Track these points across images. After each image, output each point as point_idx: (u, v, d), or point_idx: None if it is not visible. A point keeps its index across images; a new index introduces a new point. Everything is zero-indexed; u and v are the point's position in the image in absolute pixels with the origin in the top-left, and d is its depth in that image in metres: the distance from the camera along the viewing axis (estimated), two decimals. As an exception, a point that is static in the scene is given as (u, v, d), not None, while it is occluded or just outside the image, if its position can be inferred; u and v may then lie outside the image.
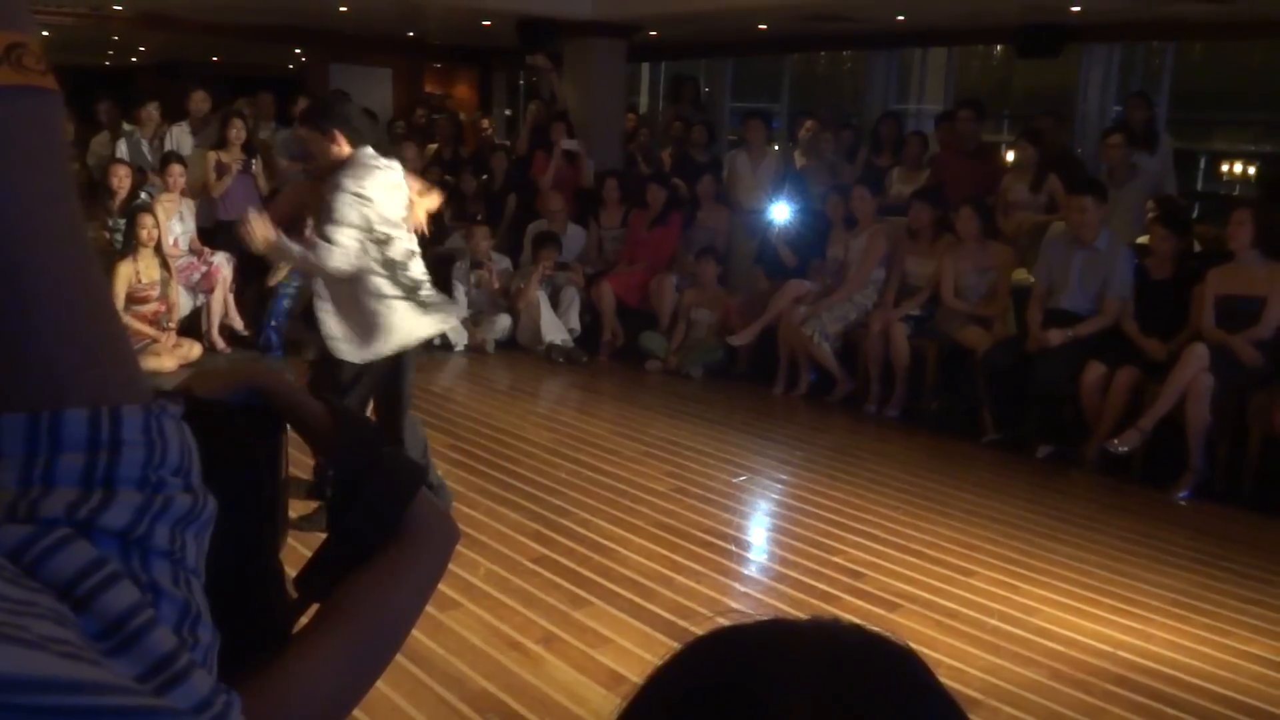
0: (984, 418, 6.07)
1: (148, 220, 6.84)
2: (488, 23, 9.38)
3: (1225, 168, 9.72)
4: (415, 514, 0.85)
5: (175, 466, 0.56)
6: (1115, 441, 5.33)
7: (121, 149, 7.95)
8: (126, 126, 8.21)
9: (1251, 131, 9.99)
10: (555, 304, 7.92)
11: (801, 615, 0.61)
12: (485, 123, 10.19)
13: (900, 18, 8.05)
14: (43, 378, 0.53)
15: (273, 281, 7.43)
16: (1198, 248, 6.09)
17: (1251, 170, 9.18)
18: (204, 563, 0.59)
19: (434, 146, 9.71)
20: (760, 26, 8.96)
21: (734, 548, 4.43)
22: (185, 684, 0.50)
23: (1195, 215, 7.55)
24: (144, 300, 6.88)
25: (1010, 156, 8.25)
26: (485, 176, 9.12)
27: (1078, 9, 6.99)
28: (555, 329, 7.78)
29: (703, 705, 0.54)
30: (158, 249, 6.93)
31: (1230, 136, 10.21)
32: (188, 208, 7.57)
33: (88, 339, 0.55)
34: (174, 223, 7.41)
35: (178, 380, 0.83)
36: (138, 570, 0.53)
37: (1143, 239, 6.14)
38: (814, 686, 0.53)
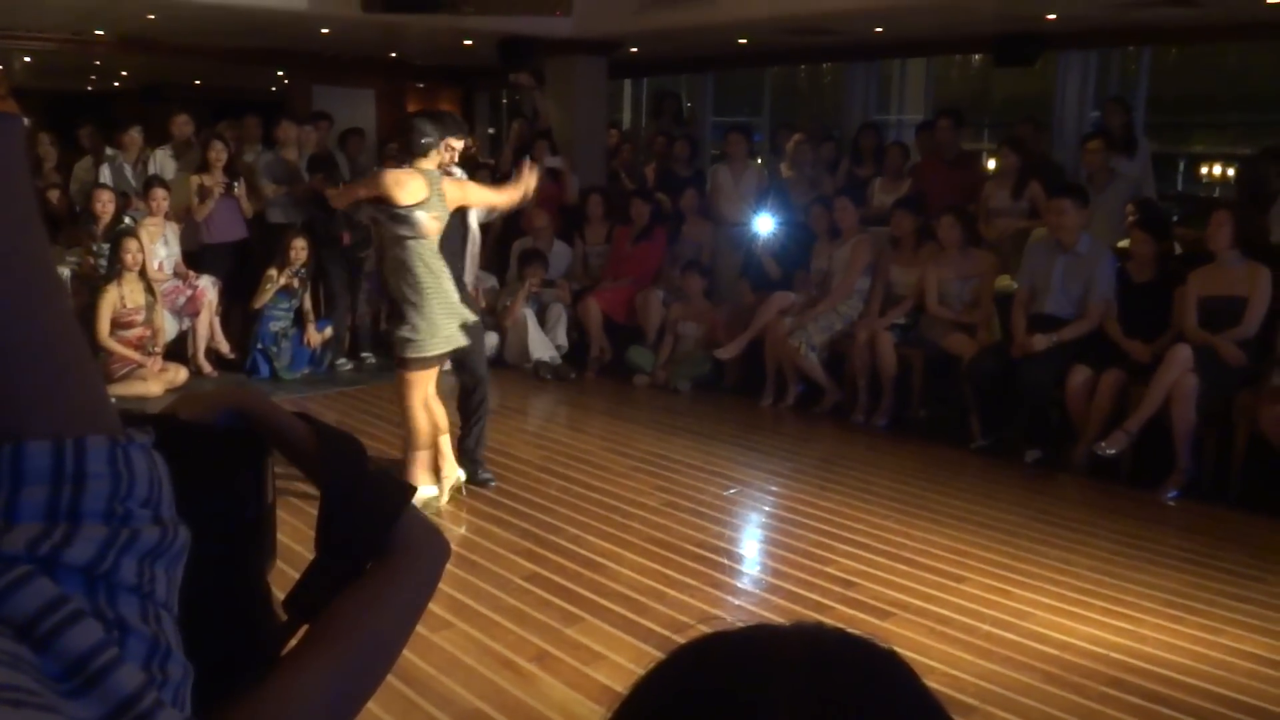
0: (971, 424, 6.09)
1: (132, 245, 6.83)
2: (469, 42, 9.39)
3: (1205, 170, 9.79)
4: (404, 531, 0.84)
5: (143, 498, 0.55)
6: (1102, 444, 5.36)
7: (104, 174, 7.93)
8: (109, 151, 8.19)
9: (1229, 134, 10.08)
10: (542, 321, 7.93)
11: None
12: (469, 141, 10.20)
13: (878, 30, 8.10)
14: (3, 408, 0.52)
15: (258, 304, 7.42)
16: (1179, 250, 6.13)
17: (1230, 172, 9.25)
18: (176, 595, 0.57)
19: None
20: (740, 41, 9.00)
21: (726, 560, 4.43)
22: None
23: (1176, 218, 7.60)
24: (129, 325, 6.86)
25: (991, 164, 8.29)
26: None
27: (1052, 17, 7.04)
28: (543, 346, 7.78)
29: (687, 711, 0.54)
30: (142, 274, 6.92)
31: (1208, 139, 10.30)
32: (172, 231, 7.56)
33: (50, 367, 0.54)
34: (158, 247, 7.40)
35: (163, 405, 0.83)
36: (104, 606, 0.51)
37: (1123, 243, 6.17)
38: (798, 690, 0.52)
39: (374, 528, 0.83)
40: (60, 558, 0.50)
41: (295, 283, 7.48)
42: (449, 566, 0.93)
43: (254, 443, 0.85)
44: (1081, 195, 6.00)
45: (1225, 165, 9.43)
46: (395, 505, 0.85)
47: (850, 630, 0.58)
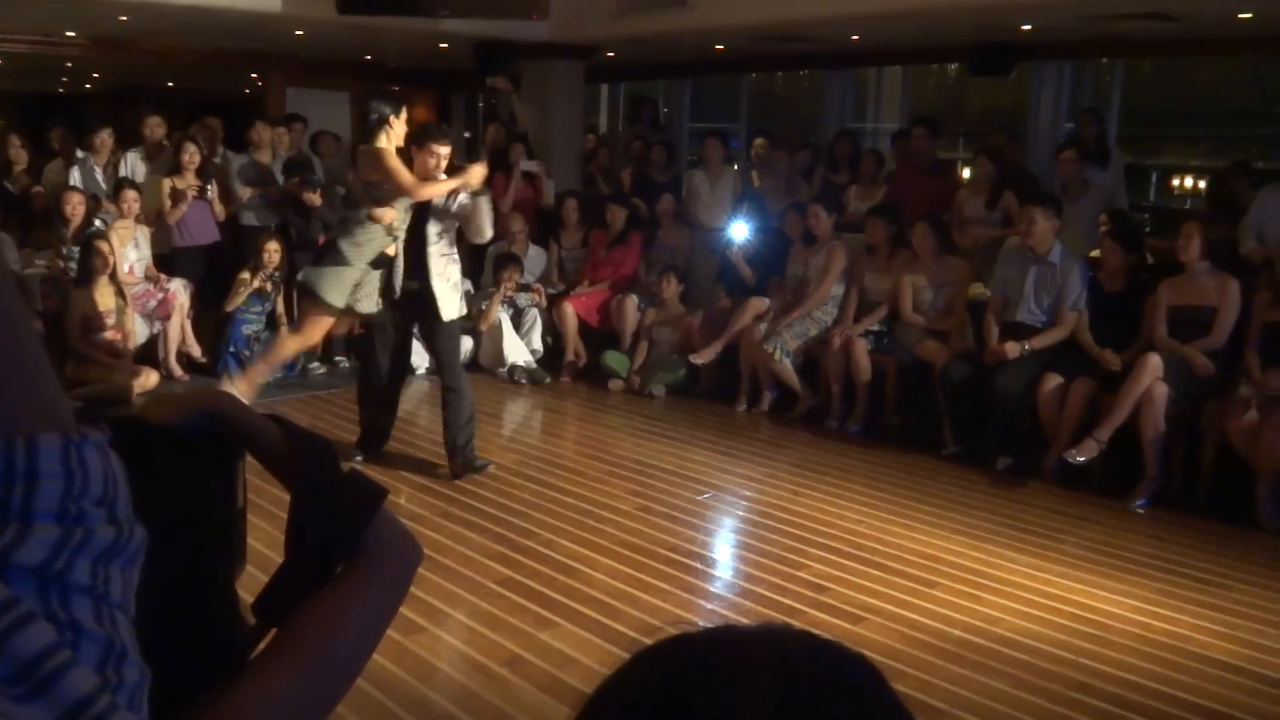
0: (944, 431, 6.12)
1: (103, 248, 6.77)
2: (445, 46, 9.37)
3: (1176, 182, 9.89)
4: (375, 535, 0.84)
5: (97, 497, 0.54)
6: (1073, 452, 5.40)
7: (75, 176, 7.86)
8: (79, 154, 8.12)
9: (1201, 147, 10.18)
10: (517, 325, 7.91)
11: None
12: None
13: (855, 38, 8.14)
14: None
15: (230, 307, 7.37)
16: (1150, 260, 6.19)
17: (1202, 184, 9.35)
18: (133, 596, 0.56)
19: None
20: (717, 47, 9.02)
21: (699, 565, 4.44)
22: None
23: (1147, 229, 7.67)
24: (99, 329, 6.79)
25: (966, 173, 8.35)
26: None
27: (1028, 27, 7.10)
28: (518, 350, 7.77)
29: (650, 712, 0.54)
30: (113, 277, 6.86)
31: (1180, 152, 10.39)
32: (143, 234, 7.50)
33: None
34: (129, 250, 7.34)
35: (133, 408, 0.83)
36: (56, 608, 0.50)
37: (1095, 253, 6.23)
38: (762, 692, 0.52)
39: (345, 531, 0.83)
40: (12, 558, 0.49)
41: (268, 286, 7.43)
42: (422, 570, 0.93)
43: (224, 446, 0.85)
44: (1054, 204, 6.05)
45: (1197, 178, 9.53)
46: (367, 509, 0.84)
47: (817, 633, 0.58)
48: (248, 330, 7.44)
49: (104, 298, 6.79)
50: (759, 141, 8.67)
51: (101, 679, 0.50)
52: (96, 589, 0.52)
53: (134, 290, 7.21)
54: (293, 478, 0.82)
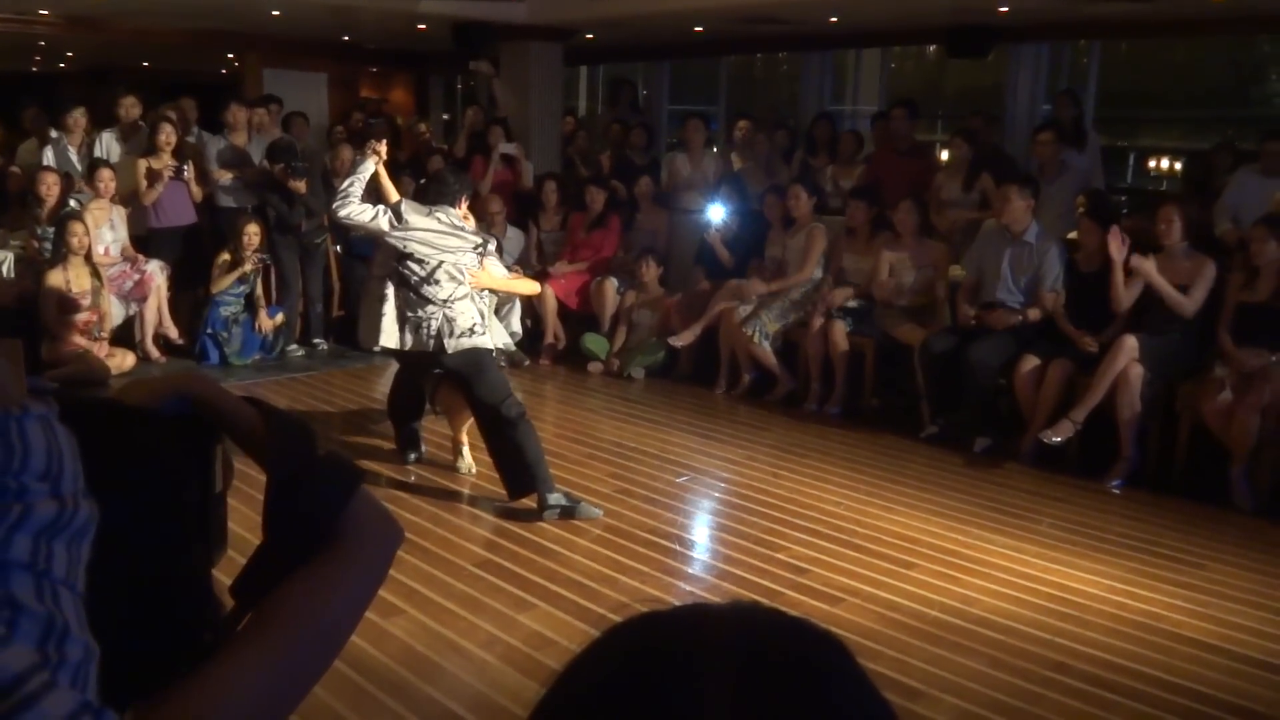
0: (922, 414, 6.15)
1: (78, 228, 6.71)
2: (423, 27, 9.30)
3: (1153, 164, 9.94)
4: (354, 517, 0.83)
5: (39, 471, 0.53)
6: (1049, 433, 5.44)
7: (48, 156, 7.77)
8: (53, 134, 8.03)
9: (1177, 128, 10.24)
10: (496, 308, 7.87)
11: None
12: (422, 126, 10.11)
13: (833, 20, 8.13)
14: None
15: (216, 289, 7.32)
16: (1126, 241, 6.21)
17: (1178, 165, 9.40)
18: (80, 572, 0.55)
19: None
20: (696, 29, 8.99)
21: (678, 547, 4.45)
22: (36, 708, 0.47)
23: (1125, 210, 7.71)
24: (74, 309, 6.73)
25: (944, 155, 8.37)
26: (423, 180, 9.05)
27: (1005, 9, 7.11)
28: (497, 333, 7.73)
29: (618, 690, 0.54)
30: (88, 258, 6.80)
31: (1157, 133, 10.45)
32: (119, 215, 7.42)
33: None
34: (104, 230, 7.27)
35: (111, 391, 0.82)
36: None
37: (1073, 235, 6.25)
38: (730, 670, 0.52)
39: (321, 512, 0.82)
40: None
41: (248, 267, 7.39)
42: (400, 552, 0.92)
43: (201, 428, 0.84)
44: (1030, 184, 6.08)
45: (1173, 159, 9.58)
46: (344, 490, 0.84)
47: (785, 610, 0.58)
48: (225, 312, 7.40)
49: (79, 279, 6.74)
50: (742, 123, 8.65)
51: (40, 656, 0.49)
52: (37, 565, 0.51)
53: (110, 272, 7.14)
54: (269, 459, 0.82)
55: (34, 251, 7.08)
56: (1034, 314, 5.85)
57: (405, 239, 4.86)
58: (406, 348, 4.98)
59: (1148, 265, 5.37)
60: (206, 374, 1.10)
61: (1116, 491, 5.28)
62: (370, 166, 5.10)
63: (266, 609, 0.77)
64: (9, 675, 0.47)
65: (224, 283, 7.31)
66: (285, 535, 0.81)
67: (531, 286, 6.24)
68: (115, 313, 7.16)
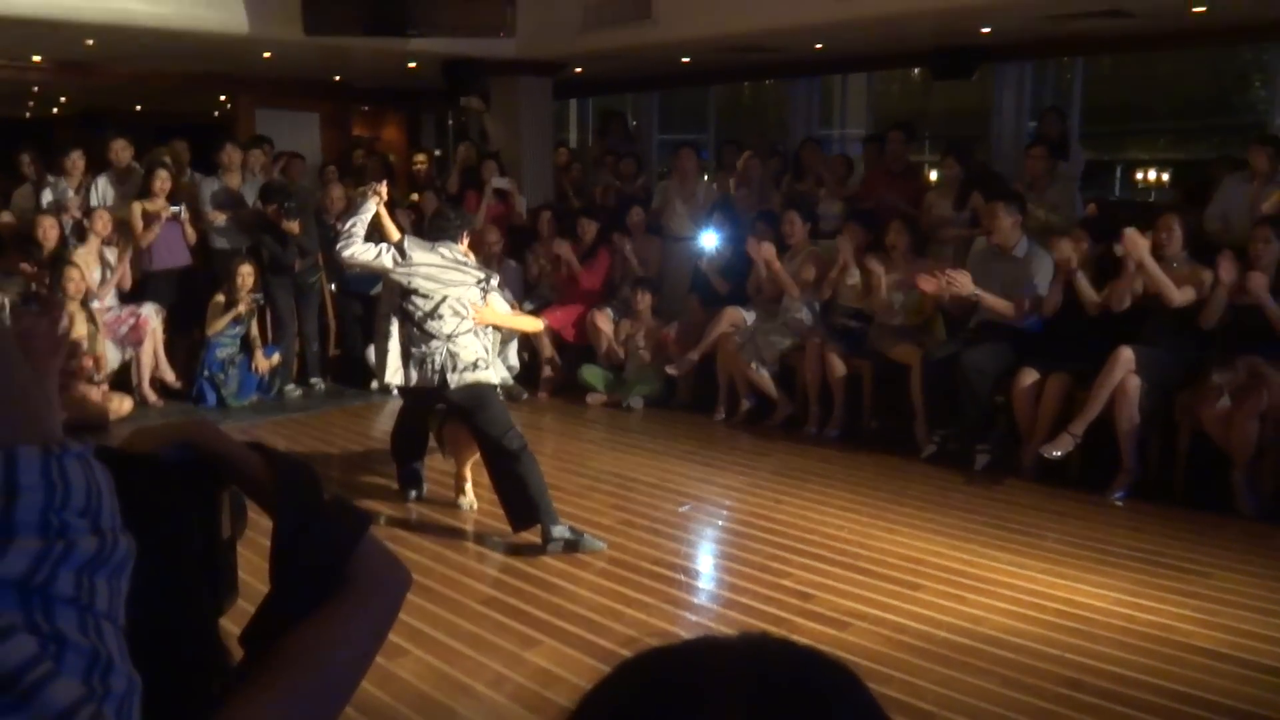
0: (919, 433, 6.14)
1: (74, 274, 6.72)
2: (413, 65, 9.37)
3: (1140, 175, 9.99)
4: (362, 561, 0.83)
5: (80, 508, 0.54)
6: (1049, 446, 5.44)
7: (46, 198, 7.80)
8: (51, 178, 8.06)
9: (1163, 140, 10.30)
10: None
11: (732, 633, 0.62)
12: (419, 158, 10.13)
13: (818, 46, 8.19)
14: None
15: (211, 332, 7.33)
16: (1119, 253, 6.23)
17: (1165, 177, 9.45)
18: (121, 605, 0.57)
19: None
20: (683, 60, 9.05)
21: (683, 577, 4.44)
22: None
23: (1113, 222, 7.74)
24: (72, 355, 6.72)
25: (934, 175, 8.41)
26: (414, 217, 9.08)
27: (987, 30, 7.17)
28: (496, 368, 7.73)
29: None
30: (84, 303, 6.80)
31: (1143, 146, 10.51)
32: (111, 255, 7.41)
33: None
34: (95, 272, 7.25)
35: (114, 438, 0.82)
36: (40, 620, 0.50)
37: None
38: (740, 701, 0.52)
39: (329, 559, 0.82)
40: None
41: (242, 308, 7.40)
42: (409, 594, 0.92)
43: (205, 475, 0.84)
44: (1016, 200, 6.12)
45: (1160, 170, 9.63)
46: (352, 535, 0.84)
47: (795, 640, 0.58)
48: (222, 354, 7.40)
49: (76, 324, 6.73)
50: (746, 154, 8.67)
51: (86, 689, 0.50)
52: (81, 599, 0.52)
53: (106, 316, 7.15)
54: (275, 506, 0.82)
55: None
56: (989, 303, 5.93)
57: (410, 274, 4.90)
58: (412, 383, 5.00)
59: (1140, 242, 5.34)
60: (209, 420, 1.11)
61: (1119, 504, 5.28)
62: (372, 207, 5.14)
63: (278, 656, 0.76)
64: (59, 708, 0.48)
65: (219, 324, 7.32)
66: (293, 582, 0.81)
67: (534, 324, 6.27)
68: (111, 357, 7.16)
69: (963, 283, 5.83)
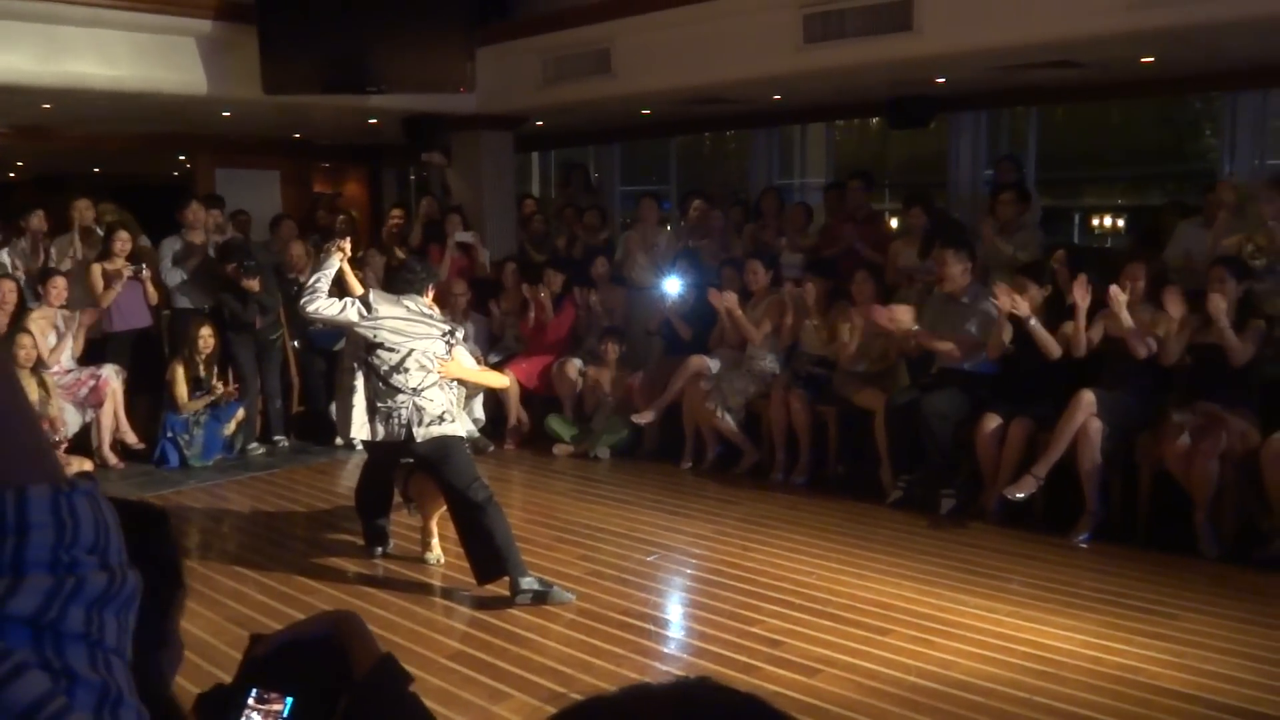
0: (884, 479, 6.17)
1: (25, 341, 6.62)
2: (374, 121, 9.41)
3: (1096, 222, 10.15)
4: None
5: (89, 545, 0.55)
6: (1012, 489, 5.47)
7: (4, 259, 7.72)
8: (13, 240, 7.98)
9: (1118, 186, 10.48)
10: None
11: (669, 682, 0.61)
12: (396, 213, 10.08)
13: (776, 97, 8.31)
14: None
15: (182, 405, 7.25)
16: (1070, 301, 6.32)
17: (1120, 223, 9.61)
18: (129, 640, 0.57)
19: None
20: (644, 111, 9.15)
21: (652, 627, 4.41)
22: None
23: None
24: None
25: (894, 223, 8.52)
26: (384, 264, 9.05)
27: (942, 80, 7.31)
28: (461, 421, 7.70)
29: None
30: (34, 369, 6.69)
31: (1098, 193, 10.69)
32: (62, 319, 7.32)
33: None
34: (50, 337, 7.16)
35: None
36: (51, 656, 0.51)
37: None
38: None
39: None
40: (4, 610, 0.50)
41: (202, 370, 7.35)
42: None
43: (148, 522, 0.84)
44: (965, 246, 6.23)
45: (1115, 216, 9.79)
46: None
47: (731, 688, 0.58)
48: (185, 415, 7.32)
49: (27, 390, 6.64)
50: (696, 203, 8.75)
51: None
52: (91, 635, 0.53)
53: (64, 380, 7.06)
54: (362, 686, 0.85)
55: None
56: (923, 338, 6.08)
57: (375, 328, 4.88)
58: (378, 438, 4.96)
59: (1122, 298, 5.41)
60: (357, 618, 1.20)
61: (1084, 546, 5.31)
62: (335, 263, 5.14)
63: None
64: None
65: (194, 406, 7.27)
66: None
67: (500, 380, 6.28)
68: (71, 420, 7.06)
69: (901, 318, 5.93)
